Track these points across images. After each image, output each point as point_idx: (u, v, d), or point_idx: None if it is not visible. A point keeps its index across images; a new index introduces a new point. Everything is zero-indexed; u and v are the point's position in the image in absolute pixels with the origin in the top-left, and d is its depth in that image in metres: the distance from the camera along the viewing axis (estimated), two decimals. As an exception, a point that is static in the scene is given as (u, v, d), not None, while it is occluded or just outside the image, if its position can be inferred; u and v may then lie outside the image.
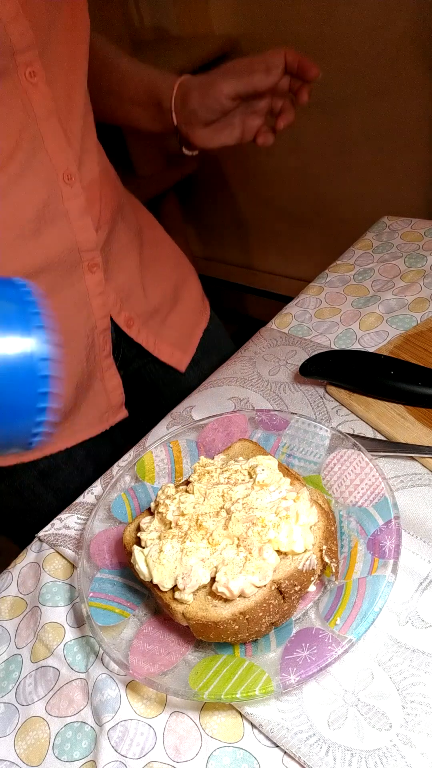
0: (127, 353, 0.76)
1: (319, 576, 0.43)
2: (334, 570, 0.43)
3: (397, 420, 0.56)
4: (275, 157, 1.79)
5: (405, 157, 1.56)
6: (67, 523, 0.57)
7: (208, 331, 0.86)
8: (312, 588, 0.43)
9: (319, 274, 0.81)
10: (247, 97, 0.63)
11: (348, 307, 0.73)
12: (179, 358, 0.81)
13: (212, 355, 0.85)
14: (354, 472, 0.49)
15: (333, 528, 0.44)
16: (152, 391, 0.84)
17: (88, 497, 0.60)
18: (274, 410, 0.57)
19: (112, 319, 0.70)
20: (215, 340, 0.88)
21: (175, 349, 0.80)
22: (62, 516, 0.58)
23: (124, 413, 0.77)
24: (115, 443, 0.78)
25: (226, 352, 0.83)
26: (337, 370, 0.60)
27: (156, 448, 0.57)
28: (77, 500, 0.60)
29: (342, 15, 1.43)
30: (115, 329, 0.72)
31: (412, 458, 0.53)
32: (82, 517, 0.58)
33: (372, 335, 0.68)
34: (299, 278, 2.01)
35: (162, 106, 0.68)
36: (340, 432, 0.52)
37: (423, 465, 0.52)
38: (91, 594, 0.46)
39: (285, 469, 0.48)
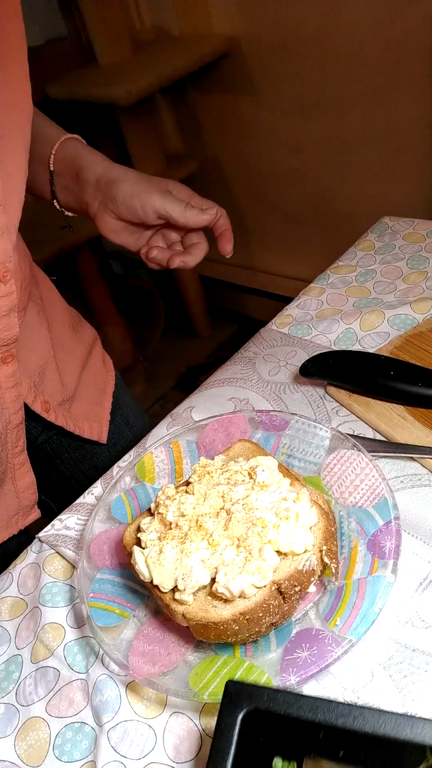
0: (36, 437, 0.69)
1: (319, 576, 0.43)
2: (334, 570, 0.43)
3: (397, 420, 0.56)
4: (275, 157, 1.79)
5: (405, 157, 1.56)
6: (67, 523, 0.57)
7: (114, 394, 0.79)
8: (312, 588, 0.43)
9: (318, 274, 0.81)
10: (169, 224, 0.61)
11: (349, 308, 0.73)
12: (98, 431, 0.74)
13: (117, 417, 0.79)
14: (354, 472, 0.49)
15: (333, 528, 0.44)
16: (59, 467, 0.76)
17: (88, 498, 0.60)
18: (274, 411, 0.57)
19: (26, 408, 0.61)
20: (118, 400, 0.80)
21: (92, 422, 0.73)
22: (62, 517, 0.58)
23: (36, 514, 0.68)
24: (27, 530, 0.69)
25: (129, 409, 0.77)
26: (337, 370, 0.60)
27: (156, 448, 0.57)
28: (77, 501, 0.60)
29: (342, 15, 1.43)
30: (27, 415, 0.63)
31: (412, 459, 0.53)
32: (82, 517, 0.58)
33: (373, 336, 0.68)
34: (299, 278, 2.00)
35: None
36: (340, 432, 0.52)
37: (423, 465, 0.52)
38: (91, 594, 0.46)
39: (285, 470, 0.48)
